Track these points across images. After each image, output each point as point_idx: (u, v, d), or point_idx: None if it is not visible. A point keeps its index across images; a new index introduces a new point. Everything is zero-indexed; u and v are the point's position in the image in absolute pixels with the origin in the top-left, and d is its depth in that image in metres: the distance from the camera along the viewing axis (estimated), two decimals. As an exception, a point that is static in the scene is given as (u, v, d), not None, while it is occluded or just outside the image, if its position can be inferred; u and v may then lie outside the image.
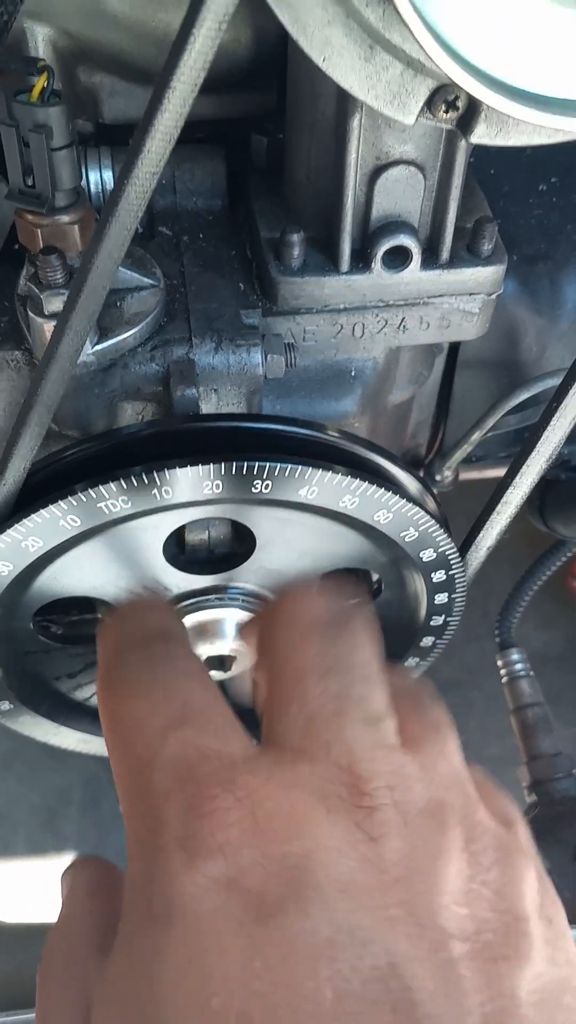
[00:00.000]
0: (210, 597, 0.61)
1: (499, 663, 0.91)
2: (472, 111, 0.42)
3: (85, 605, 0.64)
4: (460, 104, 0.42)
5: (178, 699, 0.37)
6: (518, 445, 0.84)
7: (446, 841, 0.34)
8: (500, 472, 0.90)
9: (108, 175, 0.62)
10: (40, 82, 0.46)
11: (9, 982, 0.72)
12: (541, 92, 0.38)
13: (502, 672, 0.90)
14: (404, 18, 0.35)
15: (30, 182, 0.48)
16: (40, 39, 0.56)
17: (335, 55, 0.40)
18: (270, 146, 0.63)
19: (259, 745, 0.37)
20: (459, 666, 1.92)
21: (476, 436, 0.71)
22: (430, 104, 0.42)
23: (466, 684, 1.93)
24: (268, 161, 0.63)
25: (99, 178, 0.62)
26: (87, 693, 0.70)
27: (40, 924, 0.83)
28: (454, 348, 0.74)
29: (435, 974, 0.30)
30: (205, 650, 0.62)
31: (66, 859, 1.74)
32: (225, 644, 0.63)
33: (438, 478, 0.78)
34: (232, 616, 0.62)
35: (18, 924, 0.83)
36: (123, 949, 0.32)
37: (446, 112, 0.43)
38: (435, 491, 0.79)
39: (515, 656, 0.89)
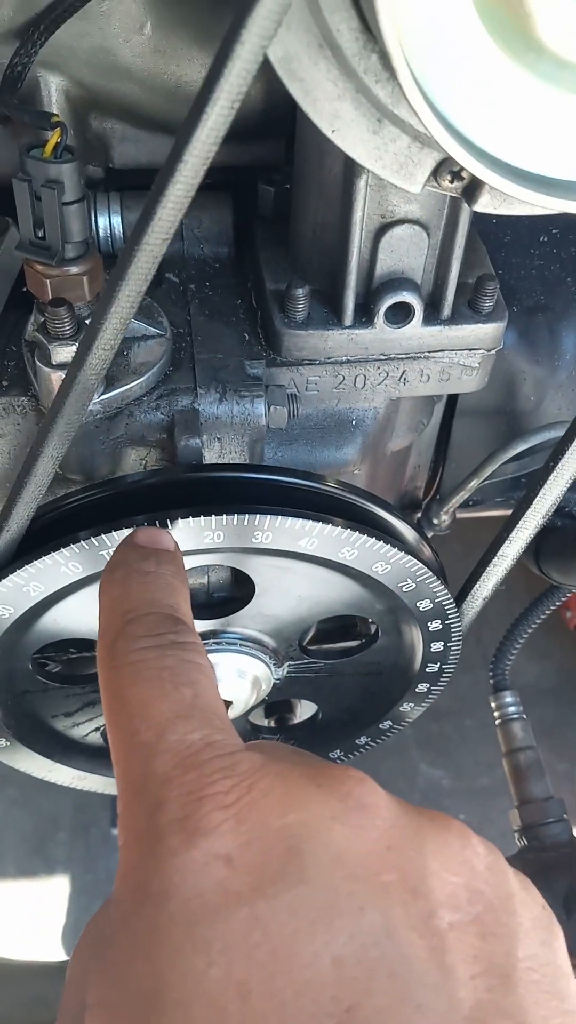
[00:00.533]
0: (208, 641, 0.62)
1: (492, 705, 0.91)
2: (476, 183, 0.43)
3: (81, 644, 0.65)
4: (465, 175, 0.43)
5: (188, 689, 0.37)
6: (515, 490, 0.84)
7: (439, 810, 0.35)
8: (497, 513, 0.91)
9: (117, 220, 0.63)
10: (54, 138, 0.47)
11: (27, 1020, 0.71)
12: (543, 173, 0.39)
13: (495, 714, 0.90)
14: (408, 98, 0.35)
15: (41, 234, 0.48)
16: (54, 88, 0.57)
17: (344, 127, 0.41)
18: (277, 196, 0.64)
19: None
20: (452, 695, 1.91)
21: (473, 483, 0.72)
22: (436, 174, 0.43)
23: (458, 713, 1.93)
24: (275, 211, 0.64)
25: (108, 223, 0.63)
26: (83, 732, 0.70)
27: (40, 963, 0.82)
28: (453, 396, 0.75)
29: (429, 942, 0.30)
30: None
31: (56, 883, 1.73)
32: (222, 688, 0.63)
33: (435, 522, 0.79)
34: (229, 661, 0.63)
35: (18, 962, 0.82)
36: (118, 934, 0.32)
37: (451, 182, 0.44)
38: (431, 536, 0.80)
39: (508, 699, 0.89)
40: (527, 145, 0.38)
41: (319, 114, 0.40)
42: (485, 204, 0.44)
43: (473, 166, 0.37)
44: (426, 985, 0.29)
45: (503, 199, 0.44)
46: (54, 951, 1.66)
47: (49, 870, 1.77)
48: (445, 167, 0.43)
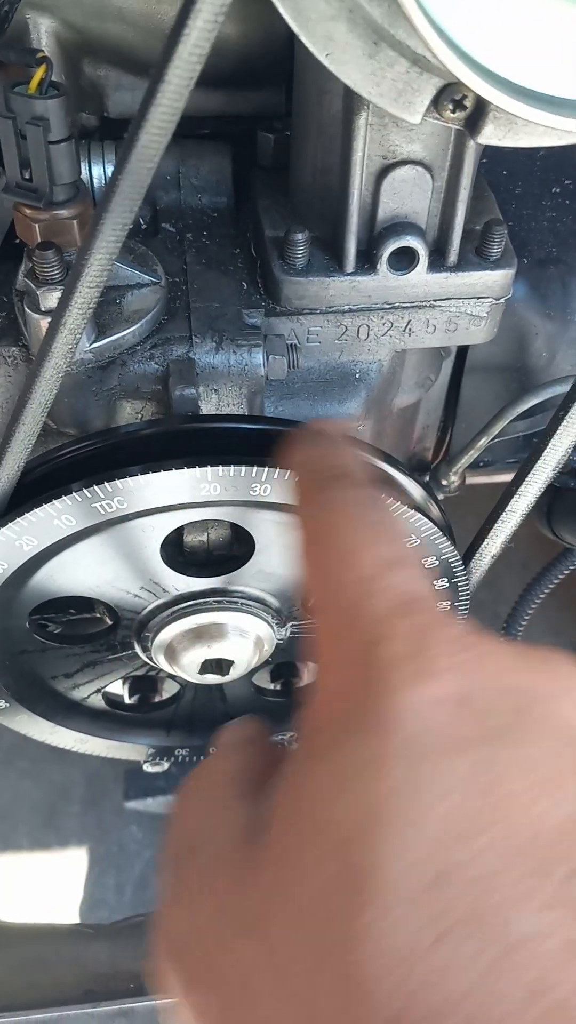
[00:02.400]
0: (208, 600, 0.60)
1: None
2: (480, 111, 0.41)
3: (83, 604, 0.64)
4: (468, 103, 0.41)
5: (399, 544, 0.35)
6: (526, 451, 0.82)
7: None
8: (507, 477, 0.89)
9: (111, 169, 0.61)
10: (38, 73, 0.45)
11: (10, 982, 0.71)
12: (551, 92, 0.37)
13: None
14: (408, 14, 0.34)
15: (27, 176, 0.47)
16: (43, 31, 0.55)
17: (338, 51, 0.39)
18: (276, 144, 0.62)
19: None
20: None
21: (483, 442, 0.70)
22: (437, 103, 0.41)
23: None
24: (274, 159, 0.62)
25: (102, 172, 0.61)
26: (84, 693, 0.69)
27: (41, 925, 0.82)
28: (462, 352, 0.73)
29: None
30: (203, 653, 0.61)
31: (67, 855, 1.74)
32: (224, 647, 0.62)
33: (444, 483, 0.77)
34: (231, 620, 0.61)
35: (19, 924, 0.82)
36: (322, 758, 0.30)
37: (453, 111, 0.42)
38: (440, 497, 0.78)
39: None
40: (533, 62, 0.36)
41: (312, 36, 0.38)
42: (489, 135, 0.42)
43: (477, 84, 0.35)
44: None
45: (508, 128, 0.42)
46: (67, 915, 1.67)
47: (62, 842, 1.77)
48: (447, 95, 0.41)
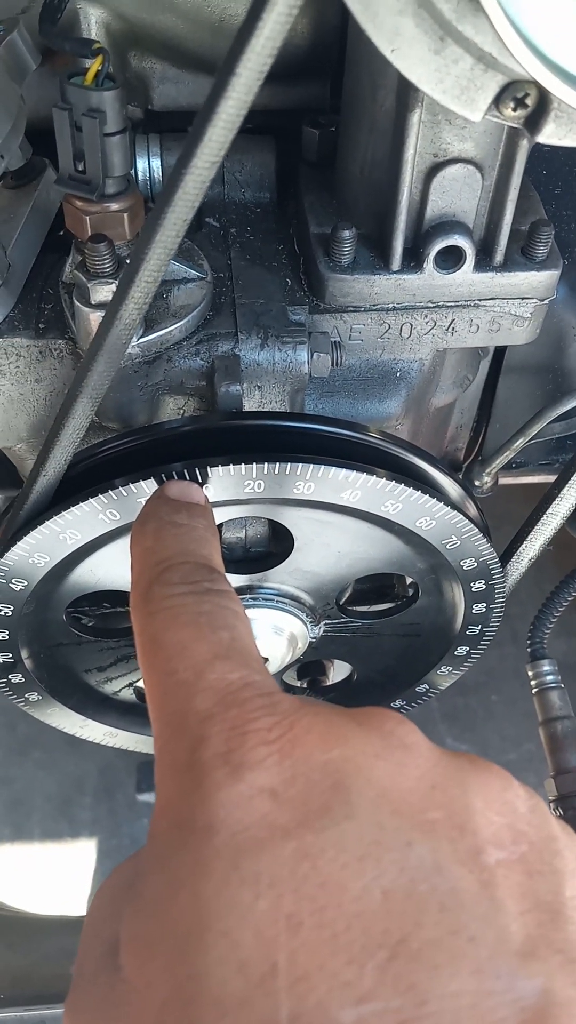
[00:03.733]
0: (244, 597, 0.60)
1: (530, 673, 0.89)
2: (541, 109, 0.41)
3: (116, 598, 0.63)
4: (530, 101, 0.41)
5: (225, 633, 0.37)
6: (561, 452, 0.82)
7: (475, 754, 0.35)
8: (539, 479, 0.88)
9: (156, 163, 0.61)
10: (95, 65, 0.45)
11: (28, 976, 0.71)
12: (619, 91, 0.36)
13: (532, 683, 0.88)
14: (484, 5, 0.33)
15: (81, 167, 0.47)
16: (94, 21, 0.55)
17: (404, 46, 0.38)
18: (322, 139, 0.61)
19: None
20: (479, 669, 1.90)
21: (519, 443, 0.70)
22: (498, 101, 0.41)
23: (486, 688, 1.91)
24: (319, 154, 0.61)
25: (147, 166, 0.61)
26: (116, 687, 0.69)
27: (68, 916, 0.82)
28: (499, 352, 0.72)
29: (478, 877, 0.30)
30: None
31: (81, 847, 1.74)
32: (258, 645, 0.61)
33: (477, 484, 0.77)
34: (265, 617, 0.61)
35: (44, 916, 0.82)
36: (157, 868, 0.31)
37: (514, 110, 0.41)
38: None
39: (546, 667, 0.87)
40: (603, 60, 0.35)
41: (379, 30, 0.38)
42: (550, 133, 0.42)
43: (545, 77, 0.34)
44: (477, 918, 0.29)
45: (569, 127, 0.41)
46: (80, 909, 1.67)
47: (74, 833, 1.78)
48: (509, 93, 0.41)
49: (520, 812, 0.33)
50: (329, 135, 0.61)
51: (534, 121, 0.42)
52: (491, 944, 0.28)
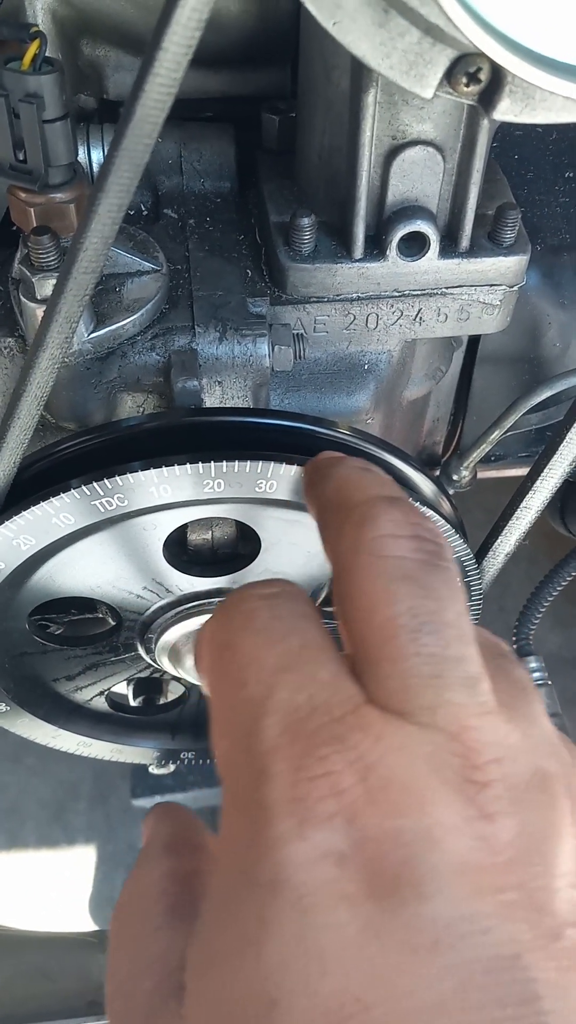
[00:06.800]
0: (214, 600, 0.58)
1: (516, 670, 0.87)
2: (496, 84, 0.39)
3: (84, 605, 0.62)
4: (483, 76, 0.39)
5: (295, 636, 0.35)
6: (539, 444, 0.80)
7: (556, 816, 0.31)
8: (519, 471, 0.87)
9: (112, 153, 0.59)
10: (32, 49, 0.43)
11: (10, 992, 0.69)
12: (571, 61, 0.35)
13: (519, 680, 0.86)
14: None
15: (21, 156, 0.45)
16: (39, 7, 0.53)
17: (347, 19, 0.36)
18: (281, 126, 0.59)
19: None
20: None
21: (495, 435, 0.68)
22: (450, 76, 0.39)
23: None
24: (279, 142, 0.60)
25: (102, 156, 0.59)
26: (87, 696, 0.67)
27: (43, 933, 0.80)
28: (473, 342, 0.71)
29: (556, 964, 0.28)
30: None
31: (76, 853, 1.73)
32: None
33: (455, 478, 0.75)
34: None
35: (20, 931, 0.80)
36: (221, 913, 0.30)
37: (467, 85, 0.39)
38: (451, 492, 0.76)
39: (533, 664, 0.85)
40: (553, 28, 0.33)
41: (319, 3, 0.36)
42: (505, 110, 0.40)
43: (494, 50, 0.33)
44: (555, 1012, 0.27)
45: (525, 103, 0.40)
46: (72, 921, 1.65)
47: (69, 840, 1.76)
48: (460, 67, 0.39)
49: None
50: (288, 121, 0.59)
51: (488, 97, 0.40)
52: None
